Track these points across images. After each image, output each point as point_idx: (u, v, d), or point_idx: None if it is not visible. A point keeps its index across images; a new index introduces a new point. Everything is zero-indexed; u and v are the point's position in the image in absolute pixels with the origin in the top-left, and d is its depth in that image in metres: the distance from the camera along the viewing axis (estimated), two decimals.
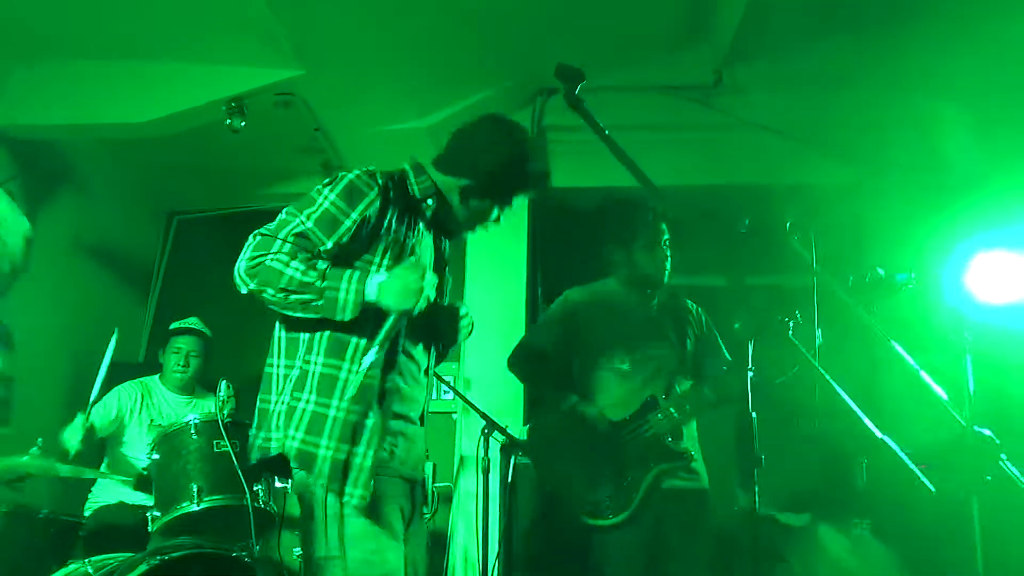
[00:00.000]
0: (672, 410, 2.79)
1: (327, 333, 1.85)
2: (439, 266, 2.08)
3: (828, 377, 1.91)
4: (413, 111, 4.19)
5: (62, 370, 4.38)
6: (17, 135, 3.82)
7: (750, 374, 1.28)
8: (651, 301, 3.02)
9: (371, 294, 1.76)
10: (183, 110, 3.65)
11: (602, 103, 4.40)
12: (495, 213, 2.08)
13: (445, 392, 4.22)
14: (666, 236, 3.01)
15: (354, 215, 1.84)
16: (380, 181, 1.89)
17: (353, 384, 1.80)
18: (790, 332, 1.09)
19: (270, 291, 1.76)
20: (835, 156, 4.34)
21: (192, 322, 3.83)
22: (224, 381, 2.84)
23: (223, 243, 5.02)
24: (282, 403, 1.85)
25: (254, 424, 1.91)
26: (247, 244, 1.81)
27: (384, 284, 1.77)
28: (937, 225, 3.43)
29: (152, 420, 3.56)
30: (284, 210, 1.86)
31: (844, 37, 4.18)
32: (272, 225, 1.83)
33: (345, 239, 1.83)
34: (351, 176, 1.88)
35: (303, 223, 1.81)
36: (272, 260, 1.76)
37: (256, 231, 1.82)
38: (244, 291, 1.79)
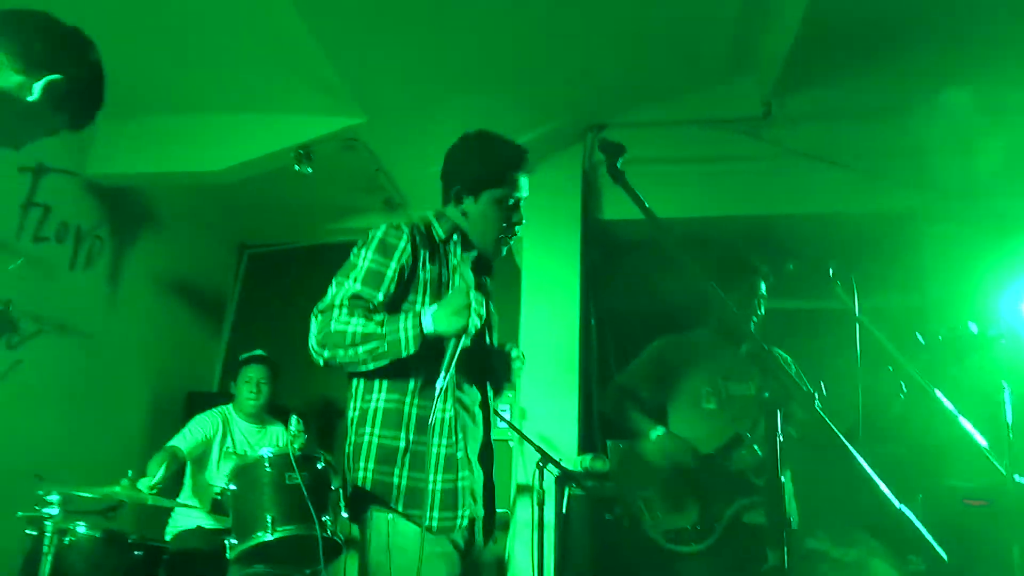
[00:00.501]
0: (756, 447, 2.84)
1: (389, 372, 1.98)
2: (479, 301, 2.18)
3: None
4: None
5: (144, 399, 4.66)
6: (106, 183, 4.14)
7: (779, 440, 1.35)
8: (738, 350, 3.08)
9: (427, 325, 1.89)
10: (255, 158, 3.89)
11: (650, 137, 4.56)
12: (492, 214, 2.15)
13: (501, 421, 4.34)
14: (763, 293, 3.10)
15: (393, 264, 2.00)
16: (406, 230, 2.05)
17: (415, 416, 1.95)
18: (816, 403, 1.15)
19: (340, 352, 1.90)
20: (889, 184, 4.31)
21: (260, 352, 4.06)
22: (295, 416, 3.01)
23: (291, 275, 5.37)
24: (350, 443, 2.03)
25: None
26: (311, 323, 1.97)
27: (436, 313, 1.90)
28: (996, 256, 3.40)
29: (228, 448, 3.78)
30: (332, 280, 2.03)
31: (894, 63, 4.19)
32: (326, 299, 2.00)
33: (392, 288, 2.00)
34: (380, 233, 2.05)
35: (352, 286, 1.98)
36: (335, 325, 1.91)
37: (314, 309, 1.99)
38: (321, 363, 1.95)
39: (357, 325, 1.90)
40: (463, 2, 3.26)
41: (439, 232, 2.16)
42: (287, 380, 4.35)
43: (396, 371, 1.97)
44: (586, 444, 4.24)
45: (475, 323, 1.89)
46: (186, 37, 3.36)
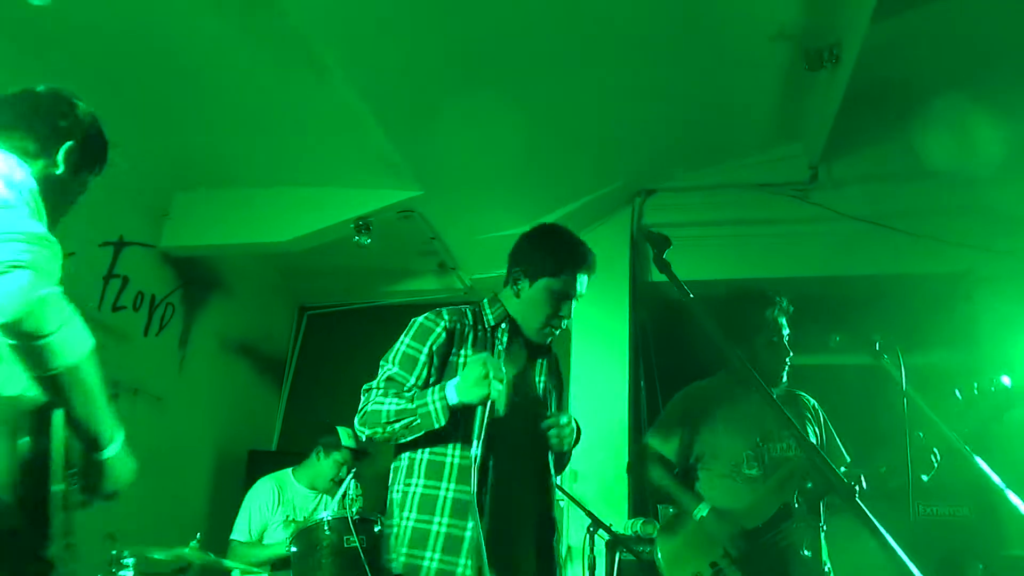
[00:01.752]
0: (803, 524, 2.66)
1: (425, 458, 2.11)
2: (526, 380, 2.28)
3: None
4: (521, 218, 4.46)
5: (208, 458, 4.84)
6: (178, 254, 4.40)
7: (822, 531, 1.37)
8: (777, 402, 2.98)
9: (452, 396, 2.01)
10: (318, 228, 4.11)
11: (698, 201, 4.64)
12: (542, 302, 2.23)
13: None
14: (787, 331, 2.95)
15: (425, 350, 2.15)
16: (446, 317, 2.19)
17: (450, 499, 2.04)
18: (856, 495, 1.18)
19: (379, 430, 2.06)
20: (938, 244, 4.30)
21: (361, 445, 4.01)
22: (353, 481, 3.15)
23: (349, 335, 5.55)
24: (390, 525, 2.14)
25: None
26: (361, 399, 2.15)
27: (457, 384, 2.01)
28: None
29: (287, 516, 3.88)
30: (380, 361, 2.20)
31: (941, 122, 4.22)
32: (372, 380, 2.17)
33: (424, 372, 2.14)
34: (420, 319, 2.21)
35: (390, 368, 2.15)
36: (372, 405, 2.08)
37: (362, 388, 2.16)
38: (364, 439, 2.12)
39: (391, 404, 2.06)
40: (515, 84, 3.43)
41: (489, 318, 2.28)
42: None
43: (434, 456, 2.10)
44: (637, 507, 4.25)
45: (496, 388, 1.97)
46: (253, 116, 3.59)
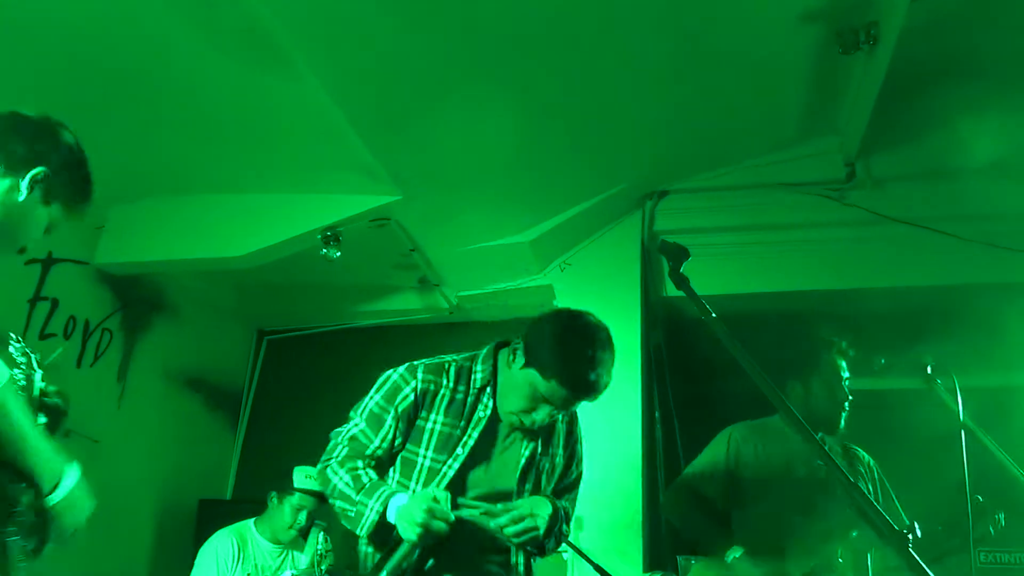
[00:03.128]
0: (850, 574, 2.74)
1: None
2: (515, 451, 2.29)
3: None
4: (515, 225, 4.54)
5: (151, 508, 4.82)
6: (116, 272, 4.40)
7: None
8: (823, 447, 3.07)
9: (390, 515, 2.09)
10: (278, 242, 4.11)
11: (717, 204, 4.66)
12: (521, 391, 2.22)
13: None
14: (847, 376, 3.05)
15: (392, 411, 2.25)
16: (419, 376, 2.26)
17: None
18: (909, 545, 1.20)
19: (328, 495, 2.24)
20: (994, 251, 4.34)
21: (319, 485, 4.10)
22: (322, 533, 3.15)
23: (315, 363, 5.53)
24: None
25: None
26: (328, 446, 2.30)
27: (400, 509, 2.07)
28: None
29: (248, 574, 3.87)
30: (351, 411, 2.33)
31: (996, 111, 4.25)
32: (343, 426, 2.30)
33: (391, 435, 2.25)
34: (394, 375, 2.31)
35: (357, 424, 2.28)
36: (328, 470, 2.23)
37: (332, 431, 2.30)
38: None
39: (341, 480, 2.19)
40: (507, 70, 3.44)
41: (477, 378, 2.32)
42: None
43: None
44: (653, 560, 4.25)
45: (427, 542, 2.02)
46: (199, 114, 3.59)
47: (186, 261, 4.28)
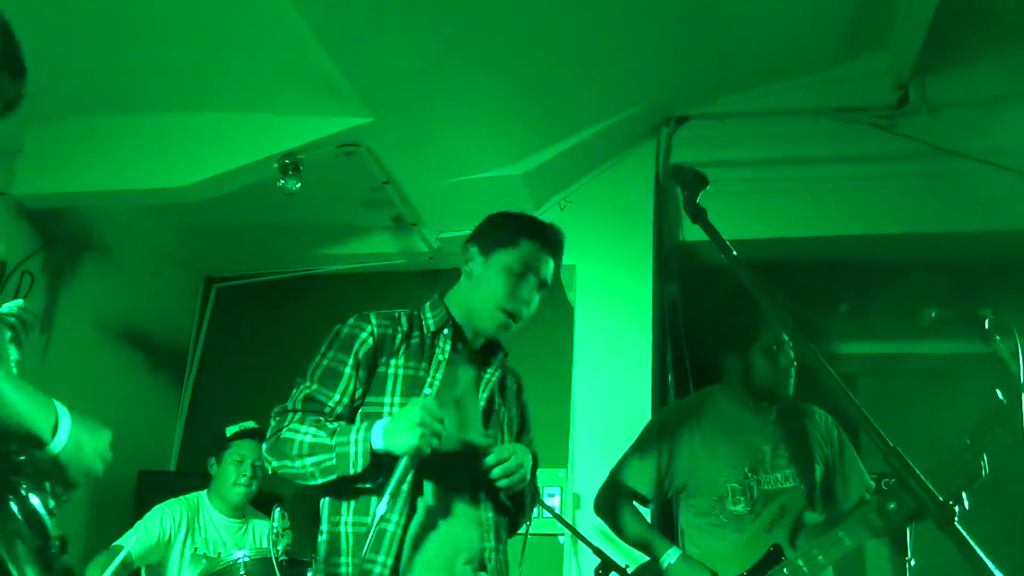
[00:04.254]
0: (800, 562, 2.91)
1: (354, 493, 2.28)
2: (473, 399, 2.48)
3: None
4: (506, 155, 4.49)
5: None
6: (37, 206, 4.35)
7: (909, 566, 1.39)
8: (768, 417, 3.21)
9: (377, 441, 2.16)
10: (228, 170, 4.06)
11: (745, 133, 4.61)
12: (497, 280, 2.43)
13: (545, 513, 4.40)
14: (786, 338, 3.16)
15: (350, 361, 2.35)
16: (374, 322, 2.41)
17: (371, 537, 2.18)
18: (956, 519, 1.19)
19: (288, 463, 2.23)
20: None
21: (253, 424, 4.19)
22: (279, 509, 3.16)
23: (272, 315, 5.51)
24: (320, 572, 2.32)
25: None
26: (270, 424, 2.32)
27: (387, 427, 2.16)
28: None
29: (196, 549, 3.91)
30: (296, 380, 2.38)
31: None
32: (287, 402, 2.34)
33: (351, 387, 2.34)
34: (343, 327, 2.41)
35: (308, 386, 2.33)
36: (286, 432, 2.25)
37: (272, 410, 2.34)
38: (270, 471, 2.28)
39: (307, 435, 2.23)
40: None
41: (429, 323, 2.48)
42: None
43: (362, 494, 2.27)
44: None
45: (430, 443, 2.13)
46: (133, 12, 3.51)
47: (119, 193, 4.24)
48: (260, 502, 4.24)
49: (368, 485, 2.23)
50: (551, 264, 2.50)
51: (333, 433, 2.21)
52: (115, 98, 4.09)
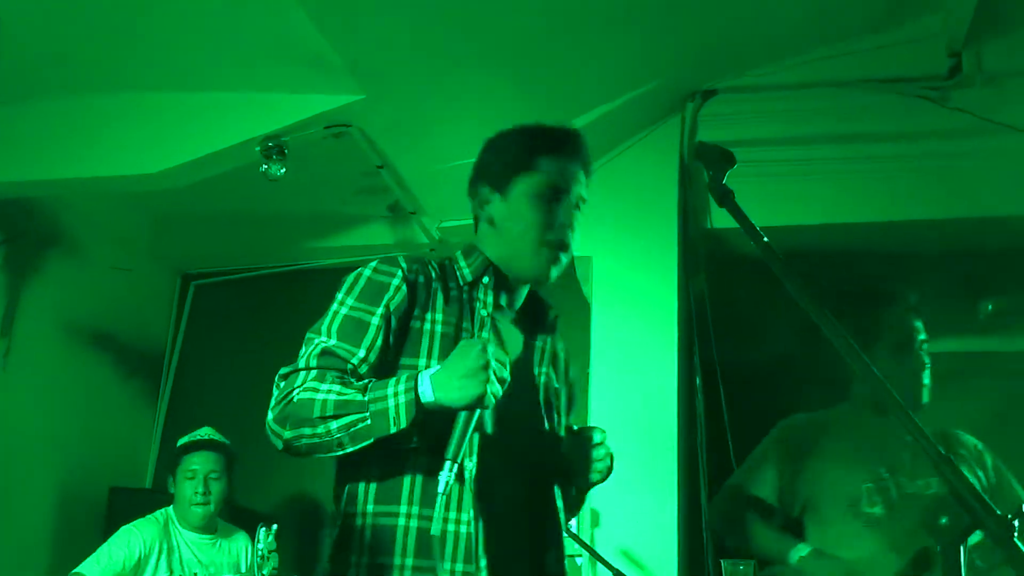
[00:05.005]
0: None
1: (375, 476, 2.06)
2: (523, 368, 2.26)
3: None
4: None
5: (48, 499, 4.84)
6: None
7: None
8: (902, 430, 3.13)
9: (426, 393, 1.90)
10: (206, 155, 4.04)
11: (779, 107, 4.60)
12: (527, 213, 2.22)
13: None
14: (923, 337, 3.15)
15: (379, 311, 2.09)
16: (404, 266, 2.17)
17: (412, 532, 2.00)
18: (1015, 535, 1.18)
19: (307, 431, 1.93)
20: None
21: (205, 433, 4.21)
22: (263, 528, 3.15)
23: (256, 314, 5.51)
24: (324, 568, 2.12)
25: None
26: (273, 392, 2.05)
27: (437, 376, 1.90)
28: None
29: (172, 572, 3.92)
30: (308, 334, 2.13)
31: None
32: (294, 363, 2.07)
33: (379, 342, 2.07)
34: (366, 271, 2.17)
35: (324, 341, 2.06)
36: (300, 393, 1.96)
37: (276, 375, 2.06)
38: (280, 445, 2.01)
39: (330, 392, 1.94)
40: None
41: (465, 273, 2.26)
42: (252, 470, 4.47)
43: (387, 477, 2.04)
44: (692, 565, 4.28)
45: (495, 391, 1.89)
46: None
47: (87, 181, 4.21)
48: (234, 516, 4.25)
49: (405, 447, 1.97)
50: (582, 176, 2.29)
51: (364, 389, 1.94)
52: (77, 77, 4.08)
